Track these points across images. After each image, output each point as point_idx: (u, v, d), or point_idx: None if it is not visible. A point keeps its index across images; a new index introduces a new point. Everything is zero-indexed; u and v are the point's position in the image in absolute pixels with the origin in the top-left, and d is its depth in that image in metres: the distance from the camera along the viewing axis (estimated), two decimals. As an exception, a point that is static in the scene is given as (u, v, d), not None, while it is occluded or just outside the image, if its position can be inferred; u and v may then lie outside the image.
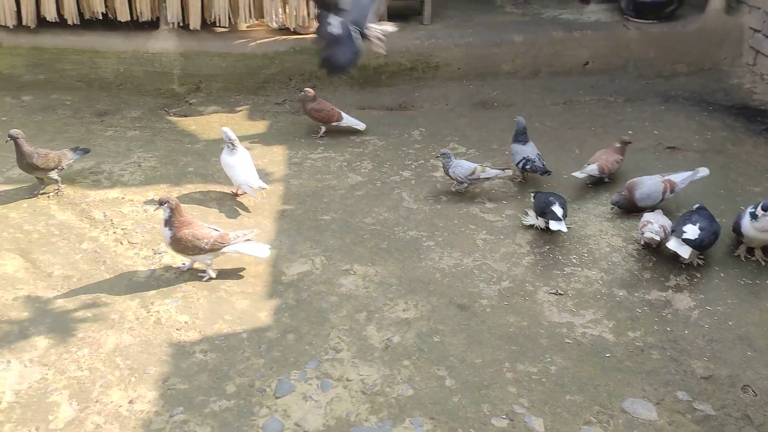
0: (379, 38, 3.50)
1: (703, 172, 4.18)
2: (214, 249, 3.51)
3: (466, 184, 4.34)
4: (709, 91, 5.97)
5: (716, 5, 6.28)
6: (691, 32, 6.24)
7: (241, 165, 4.25)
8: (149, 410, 2.74)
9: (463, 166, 4.31)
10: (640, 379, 2.95)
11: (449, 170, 4.32)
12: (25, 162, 4.12)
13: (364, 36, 3.49)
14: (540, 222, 3.97)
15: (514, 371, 2.99)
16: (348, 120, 5.17)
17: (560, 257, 3.79)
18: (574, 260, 3.77)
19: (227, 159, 4.28)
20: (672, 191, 4.08)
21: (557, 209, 3.84)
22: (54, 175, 4.19)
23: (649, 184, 4.07)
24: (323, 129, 5.20)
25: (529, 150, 4.47)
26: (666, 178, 4.12)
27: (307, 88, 5.18)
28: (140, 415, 2.72)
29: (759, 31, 6.07)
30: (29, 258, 3.65)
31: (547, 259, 3.79)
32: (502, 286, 3.55)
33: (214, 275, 3.56)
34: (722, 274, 3.64)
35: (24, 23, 5.51)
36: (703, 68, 6.27)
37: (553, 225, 3.84)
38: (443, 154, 4.34)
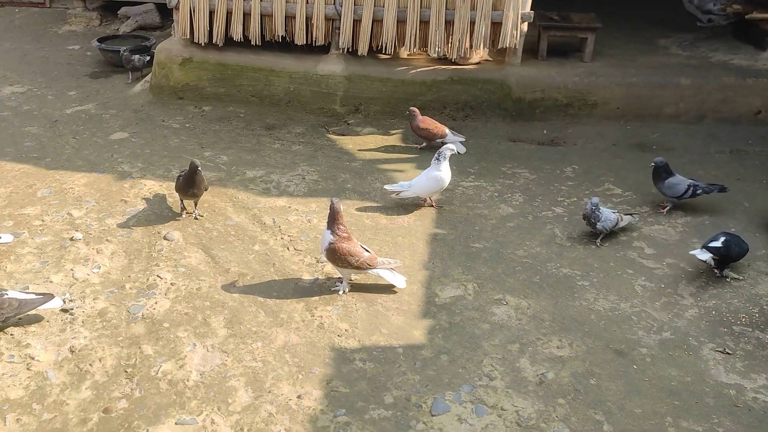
0: None
1: None
2: (360, 268, 3.66)
3: (606, 234, 4.27)
4: None
5: None
6: None
7: (424, 178, 4.56)
8: (315, 407, 2.93)
9: (611, 219, 4.17)
10: (823, 456, 2.73)
11: (598, 222, 4.13)
12: (202, 187, 4.27)
13: None
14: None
15: (677, 427, 2.88)
16: (452, 137, 5.37)
17: (727, 314, 3.60)
18: (744, 319, 3.56)
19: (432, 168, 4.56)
20: None
21: (714, 242, 3.82)
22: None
23: None
24: (424, 143, 5.49)
25: (686, 179, 4.54)
26: None
27: (412, 107, 5.48)
28: (307, 411, 2.91)
29: None
30: (210, 253, 4.02)
31: (713, 314, 3.60)
32: (663, 337, 3.43)
33: (347, 290, 3.72)
34: None
35: (214, 41, 6.12)
36: None
37: (697, 252, 3.89)
38: (593, 204, 4.15)
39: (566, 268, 4.01)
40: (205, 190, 4.36)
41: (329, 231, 3.66)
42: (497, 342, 3.39)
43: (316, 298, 3.69)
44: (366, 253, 3.69)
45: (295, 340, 3.35)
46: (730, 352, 3.32)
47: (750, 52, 6.41)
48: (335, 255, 3.63)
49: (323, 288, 3.77)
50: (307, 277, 3.87)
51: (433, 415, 2.92)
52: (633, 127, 5.89)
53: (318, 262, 4.00)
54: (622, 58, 6.39)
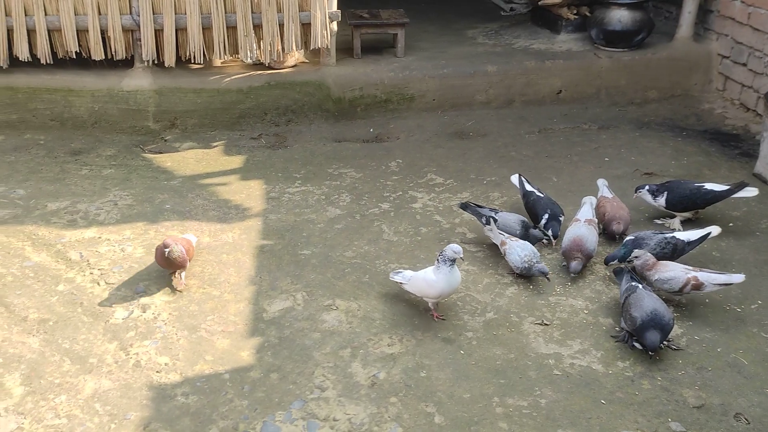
0: None
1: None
2: None
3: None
4: (681, 117, 6.12)
5: (684, 33, 6.48)
6: (661, 59, 6.41)
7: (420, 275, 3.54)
8: (129, 460, 2.65)
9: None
10: (632, 410, 2.93)
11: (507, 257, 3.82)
12: None
13: None
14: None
15: (503, 406, 2.96)
16: None
17: (544, 287, 3.80)
18: (558, 290, 3.77)
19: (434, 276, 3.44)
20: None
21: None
22: None
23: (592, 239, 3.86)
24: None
25: None
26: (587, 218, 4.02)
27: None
28: (120, 465, 2.62)
29: (727, 57, 6.25)
30: (3, 302, 3.54)
31: (531, 289, 3.79)
32: (487, 318, 3.54)
33: None
34: (707, 300, 3.67)
35: (-5, 63, 5.45)
36: (674, 94, 6.44)
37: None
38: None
39: (395, 263, 4.03)
40: None
41: None
42: (328, 350, 3.30)
43: (132, 333, 3.37)
44: None
45: (107, 386, 3.02)
46: (548, 323, 3.50)
47: (547, 36, 6.91)
48: None
49: (140, 321, 3.46)
50: (121, 312, 3.53)
51: (262, 441, 2.76)
52: (450, 116, 6.10)
53: (134, 293, 3.67)
54: (434, 50, 6.61)
